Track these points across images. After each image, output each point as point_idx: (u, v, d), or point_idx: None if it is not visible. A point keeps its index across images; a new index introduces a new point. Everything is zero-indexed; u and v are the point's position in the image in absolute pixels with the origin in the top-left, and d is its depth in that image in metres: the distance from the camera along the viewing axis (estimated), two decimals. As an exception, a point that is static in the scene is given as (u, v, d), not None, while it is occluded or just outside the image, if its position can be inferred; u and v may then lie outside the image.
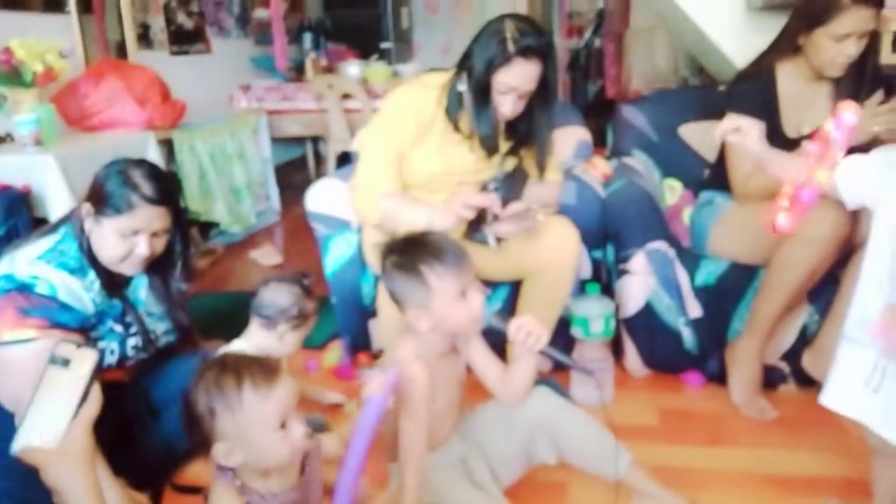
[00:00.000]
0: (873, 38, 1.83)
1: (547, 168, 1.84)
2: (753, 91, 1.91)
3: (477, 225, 1.73)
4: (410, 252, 1.33)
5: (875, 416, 1.19)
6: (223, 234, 3.53)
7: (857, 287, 1.21)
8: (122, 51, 3.54)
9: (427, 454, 1.37)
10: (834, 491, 1.51)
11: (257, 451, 1.05)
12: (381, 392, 1.19)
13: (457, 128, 1.76)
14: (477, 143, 1.76)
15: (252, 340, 1.60)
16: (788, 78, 1.90)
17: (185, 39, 4.15)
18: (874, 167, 1.20)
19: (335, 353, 2.20)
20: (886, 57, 2.28)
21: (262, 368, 1.05)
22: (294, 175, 4.95)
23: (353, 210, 1.89)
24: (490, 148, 1.75)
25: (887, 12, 2.14)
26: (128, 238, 1.52)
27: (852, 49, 1.77)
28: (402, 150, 1.77)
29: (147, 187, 1.51)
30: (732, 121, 1.50)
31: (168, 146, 3.05)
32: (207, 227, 3.45)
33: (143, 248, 1.54)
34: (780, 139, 1.88)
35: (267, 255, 3.29)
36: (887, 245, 1.15)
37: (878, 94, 1.81)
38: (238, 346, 1.58)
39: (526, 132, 1.79)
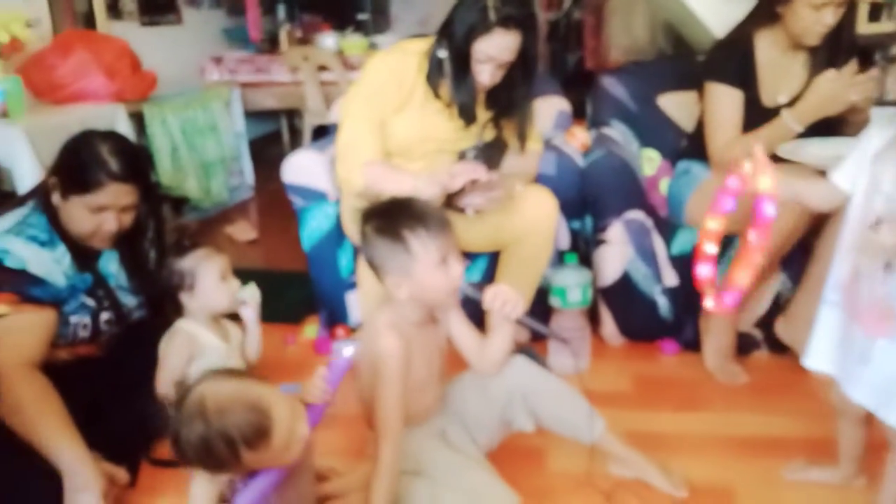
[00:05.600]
0: (850, 8, 1.84)
1: (527, 138, 1.83)
2: (732, 60, 1.91)
3: (456, 194, 1.72)
4: (393, 216, 1.30)
5: (841, 374, 1.23)
6: (195, 210, 3.47)
7: (836, 252, 1.23)
8: (89, 21, 3.44)
9: (407, 427, 1.37)
10: (800, 451, 1.54)
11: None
12: (319, 399, 1.17)
13: (437, 95, 1.74)
14: (456, 111, 1.74)
15: (193, 317, 1.56)
16: (766, 47, 1.90)
17: (155, 10, 4.04)
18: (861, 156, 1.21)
19: (313, 326, 2.20)
20: (863, 26, 2.29)
21: (254, 430, 1.00)
22: (269, 150, 4.87)
23: (337, 178, 1.86)
24: (468, 117, 1.74)
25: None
26: (96, 214, 1.50)
27: (830, 17, 1.77)
28: (383, 117, 1.74)
29: (115, 164, 1.49)
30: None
31: (138, 119, 2.99)
32: (179, 203, 3.39)
33: (111, 223, 1.52)
34: (757, 108, 1.89)
35: (242, 231, 3.25)
36: (859, 212, 1.18)
37: (853, 63, 1.82)
38: (181, 325, 1.54)
39: (506, 102, 1.77)
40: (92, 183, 1.47)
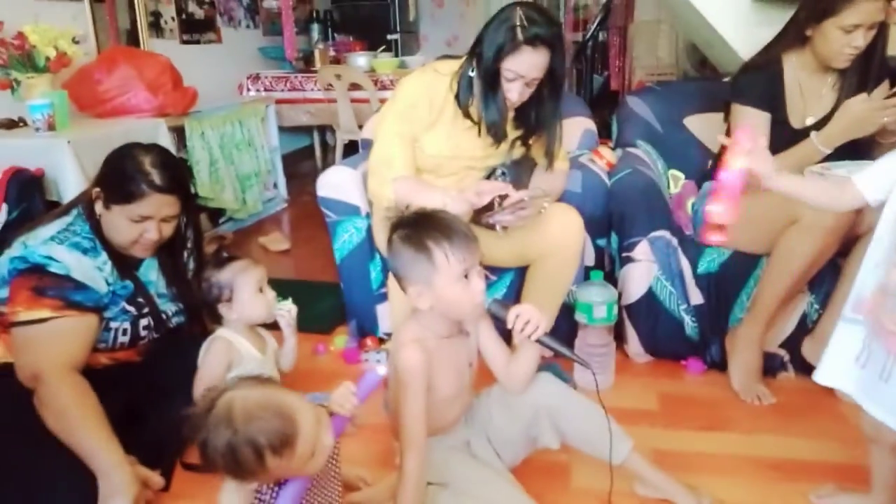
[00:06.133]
0: (881, 30, 1.83)
1: (555, 156, 1.86)
2: (759, 81, 1.91)
3: (484, 210, 1.75)
4: (419, 227, 1.32)
5: (860, 391, 1.23)
6: (231, 220, 3.56)
7: (859, 270, 1.24)
8: (131, 39, 3.56)
9: (430, 437, 1.38)
10: (830, 476, 1.52)
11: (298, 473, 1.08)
12: (346, 411, 1.18)
13: (466, 114, 1.77)
14: (485, 129, 1.77)
15: (231, 326, 1.62)
16: (795, 69, 1.91)
17: (195, 28, 4.17)
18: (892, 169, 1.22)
19: (343, 337, 2.24)
20: (894, 48, 2.28)
21: (280, 437, 1.00)
22: (301, 164, 4.98)
23: (368, 192, 1.90)
24: (497, 135, 1.77)
25: None
26: (138, 224, 1.55)
27: (860, 40, 1.77)
28: (415, 134, 1.79)
29: (157, 176, 1.53)
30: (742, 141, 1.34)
31: (179, 133, 3.08)
32: (216, 214, 3.48)
33: (152, 233, 1.56)
34: (785, 130, 1.89)
35: (275, 242, 3.32)
36: (890, 228, 1.18)
37: (885, 86, 1.82)
38: (221, 333, 1.61)
39: (535, 120, 1.80)
40: (135, 194, 1.51)
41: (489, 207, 1.72)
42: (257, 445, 0.99)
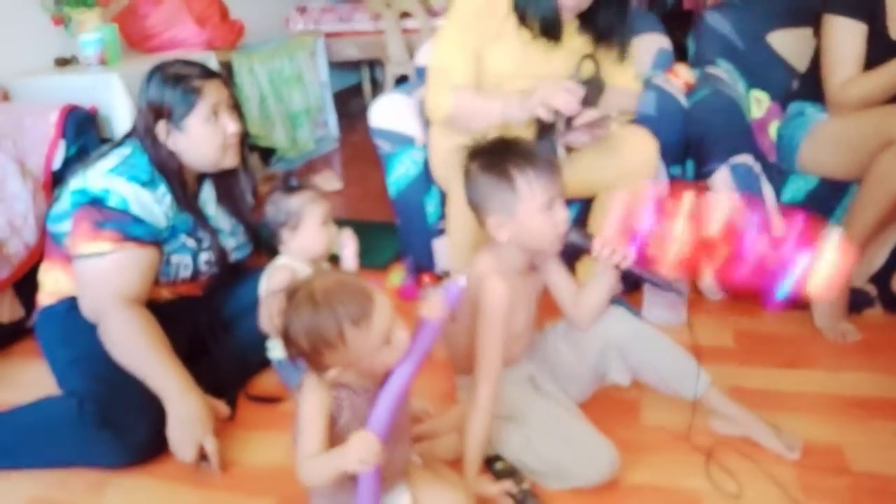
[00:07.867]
0: None
1: (625, 75, 1.74)
2: (856, -11, 1.74)
3: (545, 134, 1.65)
4: (500, 154, 1.26)
5: None
6: (283, 160, 3.52)
7: None
8: (178, -28, 3.49)
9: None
10: (921, 415, 1.43)
11: (367, 371, 1.07)
12: (437, 315, 1.13)
13: (523, 20, 1.67)
14: (551, 46, 1.66)
15: (291, 255, 1.61)
16: (897, -27, 1.73)
17: (240, -40, 4.06)
18: None
19: (398, 273, 2.19)
20: None
21: (358, 307, 1.01)
22: (350, 103, 4.88)
23: (425, 105, 1.80)
24: (551, 33, 1.66)
25: None
26: (215, 124, 1.54)
27: None
28: (477, 46, 1.69)
29: (193, 69, 1.55)
30: None
31: (227, 69, 3.02)
32: (267, 154, 3.45)
33: (231, 125, 1.56)
34: (883, 42, 1.73)
35: (327, 181, 3.27)
36: None
37: None
38: (282, 261, 1.61)
39: (603, 24, 1.68)
40: (193, 92, 1.51)
41: (549, 130, 1.61)
42: (338, 316, 1.00)
